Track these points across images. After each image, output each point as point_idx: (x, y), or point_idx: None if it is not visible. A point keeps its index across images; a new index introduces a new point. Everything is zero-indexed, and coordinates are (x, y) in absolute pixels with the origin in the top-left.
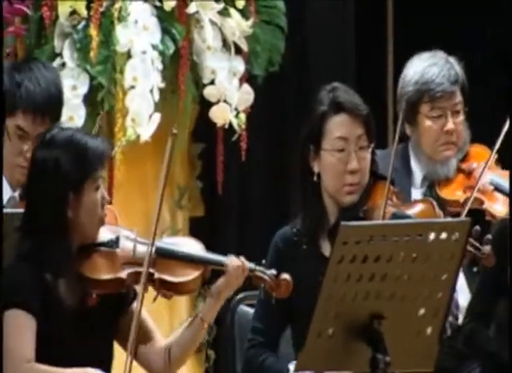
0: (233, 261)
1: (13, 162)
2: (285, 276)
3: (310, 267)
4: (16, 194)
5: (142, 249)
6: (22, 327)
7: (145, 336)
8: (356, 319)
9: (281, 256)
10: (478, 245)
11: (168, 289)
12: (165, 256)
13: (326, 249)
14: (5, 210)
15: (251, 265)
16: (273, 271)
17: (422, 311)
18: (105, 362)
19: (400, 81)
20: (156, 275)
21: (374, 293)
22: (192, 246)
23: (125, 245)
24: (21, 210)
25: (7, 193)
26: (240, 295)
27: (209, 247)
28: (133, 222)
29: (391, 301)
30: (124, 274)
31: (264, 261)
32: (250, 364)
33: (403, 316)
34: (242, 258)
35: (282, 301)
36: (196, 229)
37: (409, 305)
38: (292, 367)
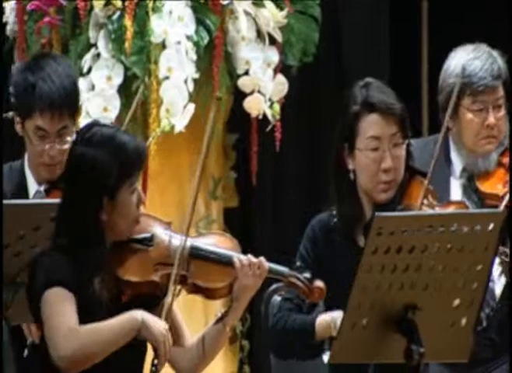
0: (238, 260)
1: (37, 162)
2: (319, 283)
3: (345, 258)
4: (42, 188)
5: (177, 248)
6: (63, 299)
7: (173, 333)
8: (391, 310)
9: (317, 244)
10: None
11: (201, 293)
12: (199, 258)
13: (362, 241)
14: (38, 201)
15: (282, 269)
16: (307, 275)
17: (456, 301)
18: (138, 357)
19: (442, 72)
20: (190, 279)
21: (409, 283)
22: (227, 246)
23: (160, 243)
24: (52, 201)
25: (33, 187)
26: (274, 286)
27: (243, 238)
28: (167, 213)
29: (426, 292)
30: (157, 277)
31: (298, 263)
32: (275, 326)
33: (437, 307)
34: (250, 256)
35: None
36: (230, 220)
37: (444, 296)
38: (326, 357)
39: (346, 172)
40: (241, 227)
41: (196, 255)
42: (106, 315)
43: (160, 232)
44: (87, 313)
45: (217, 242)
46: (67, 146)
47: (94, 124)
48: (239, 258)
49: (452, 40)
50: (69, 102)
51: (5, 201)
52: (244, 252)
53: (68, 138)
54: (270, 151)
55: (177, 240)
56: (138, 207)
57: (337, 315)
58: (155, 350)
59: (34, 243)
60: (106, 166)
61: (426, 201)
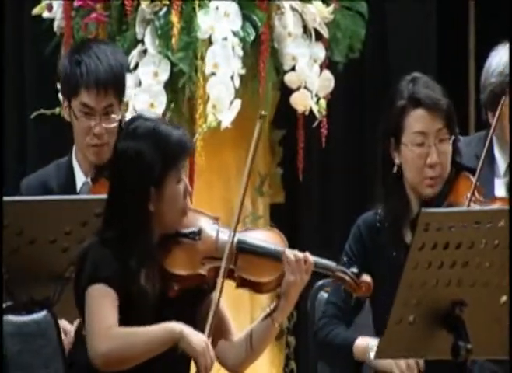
0: (285, 255)
1: (84, 142)
2: (366, 277)
3: (392, 254)
4: (89, 180)
5: (224, 242)
6: (104, 297)
7: (220, 328)
8: (437, 306)
9: (363, 242)
10: None
11: (248, 287)
12: (246, 252)
13: (408, 237)
14: (83, 197)
15: (329, 263)
16: (354, 269)
17: (503, 298)
18: (184, 359)
19: (484, 70)
20: (237, 273)
21: (456, 280)
22: (274, 241)
23: (207, 237)
24: (97, 196)
25: (81, 181)
26: (320, 282)
27: (290, 234)
28: (214, 208)
29: (473, 288)
30: (204, 270)
31: (345, 259)
32: (318, 333)
33: (485, 303)
34: (296, 251)
35: None
36: (276, 216)
37: (491, 293)
38: (372, 354)
39: (393, 166)
40: (287, 223)
41: (244, 249)
42: (151, 311)
43: (208, 226)
44: (133, 308)
45: (265, 237)
46: (113, 125)
47: (137, 117)
48: (286, 253)
49: (499, 36)
50: (115, 81)
51: (49, 197)
52: (291, 248)
53: (114, 116)
54: (316, 146)
55: (224, 234)
56: (184, 198)
57: (374, 344)
58: (195, 362)
59: (82, 239)
60: (150, 157)
61: (472, 197)
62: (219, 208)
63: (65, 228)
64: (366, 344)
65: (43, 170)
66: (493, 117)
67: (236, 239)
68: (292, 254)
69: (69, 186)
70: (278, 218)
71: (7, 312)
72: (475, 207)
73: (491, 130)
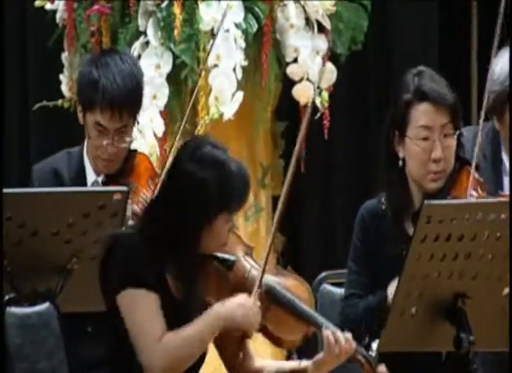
0: (332, 335)
1: (95, 154)
2: (382, 369)
3: (394, 244)
4: (100, 179)
5: (254, 277)
6: (150, 305)
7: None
8: (440, 298)
9: (367, 229)
10: None
11: (268, 337)
12: (274, 299)
13: (410, 229)
14: (87, 189)
15: (357, 347)
16: (373, 355)
17: (506, 290)
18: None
19: (488, 77)
20: (262, 321)
21: (458, 272)
22: (303, 298)
23: (240, 270)
24: (104, 188)
25: (91, 176)
26: (323, 274)
27: (291, 226)
28: None
29: (475, 280)
30: None
31: (367, 339)
32: (347, 311)
33: (487, 295)
34: (349, 335)
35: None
36: None
37: (493, 284)
38: (375, 345)
39: (396, 159)
40: (289, 215)
41: (274, 296)
42: (176, 320)
43: (243, 259)
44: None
45: (295, 290)
46: (125, 145)
47: (206, 142)
48: (333, 333)
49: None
50: (131, 102)
51: (52, 189)
52: (293, 240)
53: (127, 138)
54: (319, 139)
55: (256, 271)
56: (228, 234)
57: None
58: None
59: (84, 231)
60: (213, 191)
61: (475, 193)
62: None
63: (68, 220)
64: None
65: (54, 157)
66: (498, 122)
67: (266, 285)
68: (332, 335)
69: (80, 179)
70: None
71: (10, 304)
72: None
73: (479, 128)
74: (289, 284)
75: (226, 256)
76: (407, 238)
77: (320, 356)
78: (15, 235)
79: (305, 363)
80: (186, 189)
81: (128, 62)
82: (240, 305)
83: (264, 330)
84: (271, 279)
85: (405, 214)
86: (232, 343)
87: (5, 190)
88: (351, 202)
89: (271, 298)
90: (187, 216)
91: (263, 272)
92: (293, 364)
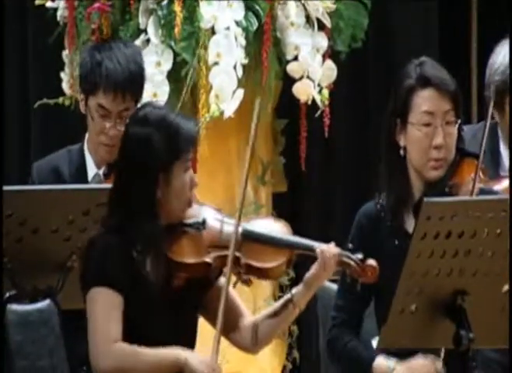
0: (322, 247)
1: (97, 141)
2: (372, 262)
3: (394, 243)
4: (101, 172)
5: (229, 231)
6: (110, 306)
7: (232, 312)
8: (440, 295)
9: (364, 233)
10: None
11: (254, 274)
12: (252, 240)
13: (410, 225)
14: (87, 186)
15: (341, 251)
16: (359, 255)
17: (505, 287)
18: (190, 339)
19: (488, 67)
20: (243, 260)
21: (458, 269)
22: (279, 229)
23: (212, 227)
24: (103, 186)
25: (92, 170)
26: None
27: (292, 223)
28: (216, 197)
29: (475, 278)
30: (209, 258)
31: (350, 245)
32: (334, 344)
33: (487, 292)
34: (332, 244)
35: None
36: (279, 205)
37: (493, 282)
38: (374, 342)
39: (397, 148)
40: (290, 212)
41: (249, 236)
42: (157, 299)
43: (212, 217)
44: (138, 298)
45: (269, 225)
46: None
47: (147, 105)
48: (321, 249)
49: (502, 20)
50: (133, 85)
51: (52, 186)
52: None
53: None
54: (319, 136)
55: (228, 224)
56: (190, 189)
57: (392, 365)
58: None
59: (83, 228)
60: (160, 144)
61: (477, 178)
62: (221, 197)
63: (68, 218)
64: (386, 366)
65: (55, 155)
66: (498, 114)
67: (241, 228)
68: (327, 251)
69: (81, 174)
70: (281, 207)
71: (10, 301)
72: (479, 186)
73: (487, 123)
74: (263, 221)
75: (194, 219)
76: (406, 237)
77: (310, 272)
78: (16, 233)
79: (294, 290)
80: (135, 150)
81: (132, 48)
82: (202, 363)
83: (248, 269)
84: (244, 223)
85: (405, 206)
86: None
87: (6, 188)
88: (350, 200)
89: (246, 236)
90: (142, 175)
91: (239, 219)
92: (283, 298)
